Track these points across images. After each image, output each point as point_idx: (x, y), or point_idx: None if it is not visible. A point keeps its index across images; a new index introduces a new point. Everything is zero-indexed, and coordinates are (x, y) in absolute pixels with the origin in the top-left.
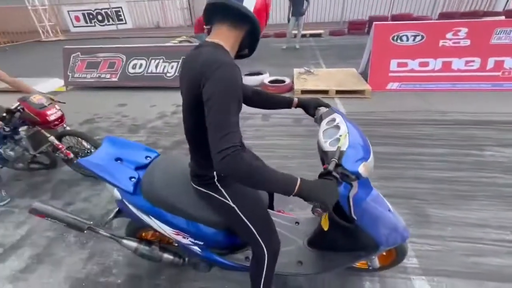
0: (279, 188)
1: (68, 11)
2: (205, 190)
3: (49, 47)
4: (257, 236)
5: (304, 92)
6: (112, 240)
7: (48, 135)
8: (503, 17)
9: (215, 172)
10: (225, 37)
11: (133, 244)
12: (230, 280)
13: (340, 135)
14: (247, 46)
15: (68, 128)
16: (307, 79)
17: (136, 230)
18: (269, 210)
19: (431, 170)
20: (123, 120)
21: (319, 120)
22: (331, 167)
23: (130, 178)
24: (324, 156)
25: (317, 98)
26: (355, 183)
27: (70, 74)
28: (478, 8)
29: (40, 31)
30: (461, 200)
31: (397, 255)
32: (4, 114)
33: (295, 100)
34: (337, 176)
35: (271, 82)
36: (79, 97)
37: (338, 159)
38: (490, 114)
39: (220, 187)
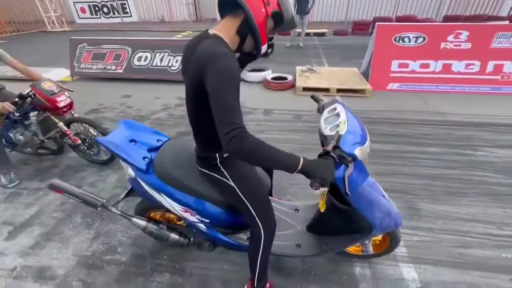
0: (284, 165)
1: (74, 2)
2: (209, 172)
3: (54, 38)
4: (255, 215)
5: (305, 89)
6: (122, 217)
7: (57, 121)
8: (507, 22)
9: (217, 154)
10: (224, 28)
11: (142, 222)
12: (229, 261)
13: (340, 122)
14: (252, 42)
15: (76, 115)
16: (309, 77)
17: (145, 210)
18: (270, 197)
19: (426, 167)
20: (128, 111)
21: (321, 110)
22: (329, 148)
23: (144, 158)
24: (324, 139)
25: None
26: (351, 164)
27: (76, 64)
28: (483, 12)
29: (46, 22)
30: (452, 196)
31: (391, 242)
32: (16, 99)
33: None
34: (335, 156)
35: (273, 78)
36: (85, 87)
37: (336, 141)
38: (487, 117)
39: (222, 169)
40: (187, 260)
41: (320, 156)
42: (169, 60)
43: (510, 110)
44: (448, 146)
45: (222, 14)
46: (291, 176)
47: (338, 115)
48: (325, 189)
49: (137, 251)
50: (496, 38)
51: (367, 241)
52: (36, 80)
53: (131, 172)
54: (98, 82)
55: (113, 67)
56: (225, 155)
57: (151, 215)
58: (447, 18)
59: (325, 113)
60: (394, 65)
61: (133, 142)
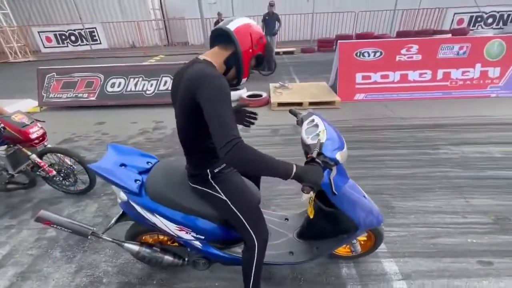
0: (280, 173)
1: (38, 32)
2: (201, 188)
3: (18, 68)
4: (247, 226)
5: (280, 104)
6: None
7: (29, 153)
8: (449, 35)
9: (208, 170)
10: (214, 55)
11: (135, 247)
12: (220, 278)
13: (319, 131)
14: (234, 72)
15: (49, 146)
16: (282, 93)
17: (136, 235)
18: (263, 210)
19: (395, 168)
20: (103, 138)
21: (300, 122)
22: (314, 155)
23: (135, 180)
24: (307, 148)
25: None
26: (334, 168)
27: (45, 94)
28: (429, 27)
29: (8, 52)
30: (421, 192)
31: (376, 239)
32: None
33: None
34: (320, 162)
35: (249, 96)
36: (55, 117)
37: (319, 149)
38: (442, 118)
39: (214, 184)
40: (178, 282)
41: (307, 163)
42: (144, 84)
43: (460, 111)
44: (412, 147)
45: (212, 44)
46: (273, 188)
47: (316, 125)
48: (312, 194)
49: (124, 279)
50: (441, 49)
51: (354, 241)
52: (0, 114)
53: (123, 196)
54: (70, 111)
55: (85, 95)
56: (216, 170)
57: (143, 239)
58: (399, 34)
59: (305, 125)
60: (358, 77)
61: (123, 166)
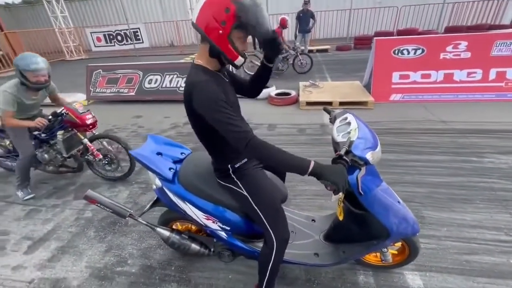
0: (295, 166)
1: (90, 33)
2: (224, 183)
3: (72, 66)
4: (267, 224)
5: (308, 103)
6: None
7: (83, 137)
8: (510, 30)
9: (229, 165)
10: (200, 55)
11: (166, 232)
12: (234, 270)
13: (351, 129)
14: (221, 56)
15: (97, 133)
16: (312, 92)
17: (167, 222)
18: (286, 208)
19: (430, 175)
20: (139, 130)
21: (333, 120)
22: (342, 152)
23: (170, 168)
24: (337, 146)
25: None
26: (363, 168)
27: (92, 89)
28: (485, 22)
29: (65, 51)
30: (457, 203)
31: (410, 252)
32: (50, 117)
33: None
34: (348, 160)
35: (277, 94)
36: (99, 110)
37: (348, 146)
38: (492, 123)
39: (235, 179)
40: (194, 271)
41: (333, 160)
42: (178, 81)
43: None
44: (453, 154)
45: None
46: (293, 187)
47: (349, 123)
48: (341, 195)
49: (146, 263)
50: (496, 46)
51: (385, 249)
52: (61, 105)
53: (158, 182)
54: (112, 104)
55: (126, 90)
56: (237, 165)
57: (173, 226)
58: (448, 29)
59: (337, 123)
60: (395, 76)
61: (159, 155)
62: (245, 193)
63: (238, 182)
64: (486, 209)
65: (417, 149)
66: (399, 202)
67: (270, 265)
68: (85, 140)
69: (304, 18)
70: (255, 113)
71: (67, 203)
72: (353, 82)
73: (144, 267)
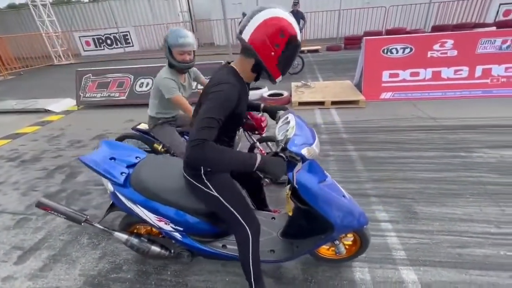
0: (244, 165)
1: (79, 37)
2: (193, 181)
3: (61, 70)
4: (240, 219)
5: (301, 103)
6: (106, 232)
7: (254, 140)
8: (493, 28)
9: (202, 167)
10: (240, 65)
11: (124, 236)
12: (231, 273)
13: (289, 128)
14: (266, 75)
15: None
16: (304, 92)
17: (129, 225)
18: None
19: (421, 171)
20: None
21: (277, 121)
22: (278, 149)
23: (121, 173)
24: (276, 144)
25: (282, 105)
26: (299, 163)
27: (82, 94)
28: (469, 20)
29: (53, 56)
30: (448, 198)
31: (361, 243)
32: None
33: (262, 105)
34: (283, 156)
35: (270, 95)
36: (90, 115)
37: (285, 144)
38: (479, 119)
39: (205, 180)
40: (190, 275)
41: (271, 157)
42: None
43: (501, 111)
44: (443, 149)
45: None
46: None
47: (288, 122)
48: (288, 191)
49: (142, 268)
50: (481, 44)
51: (337, 242)
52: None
53: (110, 186)
54: (103, 109)
55: (117, 94)
56: (209, 168)
57: (135, 229)
58: (435, 28)
59: (279, 123)
60: (385, 75)
61: (112, 160)
62: (216, 194)
63: (208, 184)
64: (476, 203)
65: (408, 146)
66: (344, 196)
67: (250, 258)
68: (257, 144)
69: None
70: None
71: (47, 199)
72: (344, 81)
73: (140, 273)
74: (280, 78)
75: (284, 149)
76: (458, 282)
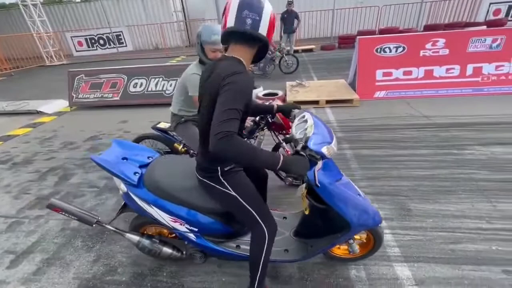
0: (268, 163)
1: (71, 37)
2: (209, 182)
3: (53, 71)
4: (258, 218)
5: (296, 103)
6: (122, 238)
7: (280, 140)
8: (484, 27)
9: (219, 167)
10: (243, 53)
11: (136, 237)
12: (227, 273)
13: (307, 126)
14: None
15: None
16: (299, 91)
17: (139, 226)
18: None
19: (414, 169)
20: (125, 136)
21: (293, 119)
22: (298, 147)
23: (135, 173)
24: (295, 143)
25: (293, 103)
26: (320, 162)
27: (75, 95)
28: (460, 19)
29: (44, 56)
30: (441, 195)
31: (375, 241)
32: (258, 118)
33: (275, 106)
34: (304, 154)
35: (265, 95)
36: (83, 116)
37: (305, 142)
38: (470, 117)
39: (222, 180)
40: (186, 276)
41: (293, 155)
42: (164, 84)
43: (491, 109)
44: (435, 147)
45: (227, 41)
46: (285, 188)
47: (306, 121)
48: (304, 190)
49: (137, 270)
50: (472, 43)
51: (351, 241)
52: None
53: (123, 187)
54: (96, 110)
55: (110, 95)
56: (226, 168)
57: (145, 230)
58: (427, 28)
59: (296, 121)
60: (379, 74)
61: (125, 160)
62: (234, 193)
63: (226, 184)
64: (468, 199)
65: (402, 144)
66: (359, 195)
67: (262, 259)
68: (283, 144)
69: (289, 19)
70: None
71: (51, 213)
72: (339, 80)
73: (135, 275)
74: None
75: (304, 148)
76: (451, 278)
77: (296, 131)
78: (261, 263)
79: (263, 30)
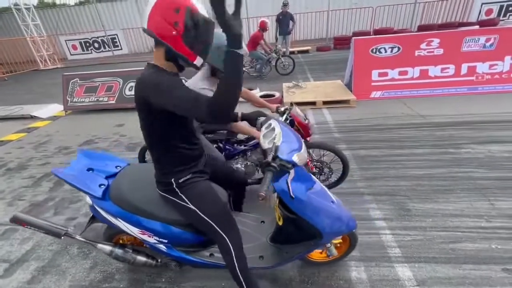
0: (238, 62)
1: (65, 40)
2: (168, 196)
3: (47, 75)
4: (219, 230)
5: (294, 104)
6: (89, 244)
7: None
8: (477, 27)
9: (173, 179)
10: (157, 58)
11: (108, 247)
12: (226, 278)
13: (275, 134)
14: (179, 59)
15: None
16: (296, 92)
17: (112, 235)
18: (237, 212)
19: (412, 168)
20: (121, 140)
21: (259, 128)
22: (269, 158)
23: (100, 185)
24: (264, 153)
25: (258, 110)
26: (292, 171)
27: (69, 99)
28: (454, 19)
29: (38, 60)
30: (440, 194)
31: (351, 242)
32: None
33: (239, 114)
34: (275, 165)
35: (262, 96)
36: (78, 120)
37: (275, 152)
38: (465, 116)
39: (179, 193)
40: (185, 281)
41: (261, 166)
42: None
43: (486, 108)
44: (433, 146)
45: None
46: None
47: (273, 129)
48: (276, 201)
49: (135, 276)
50: (465, 42)
51: (328, 244)
52: (257, 101)
53: (88, 200)
54: (91, 114)
55: (106, 99)
56: (181, 180)
57: (120, 239)
58: (421, 28)
59: (263, 130)
60: (374, 74)
61: (90, 171)
62: (192, 206)
63: (183, 196)
64: (466, 198)
65: (399, 143)
66: (333, 202)
67: (237, 267)
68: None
69: (284, 20)
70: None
71: (46, 220)
72: (335, 81)
73: (133, 281)
74: (198, 61)
75: (274, 158)
76: (452, 277)
77: (264, 140)
78: (238, 272)
79: (145, 22)
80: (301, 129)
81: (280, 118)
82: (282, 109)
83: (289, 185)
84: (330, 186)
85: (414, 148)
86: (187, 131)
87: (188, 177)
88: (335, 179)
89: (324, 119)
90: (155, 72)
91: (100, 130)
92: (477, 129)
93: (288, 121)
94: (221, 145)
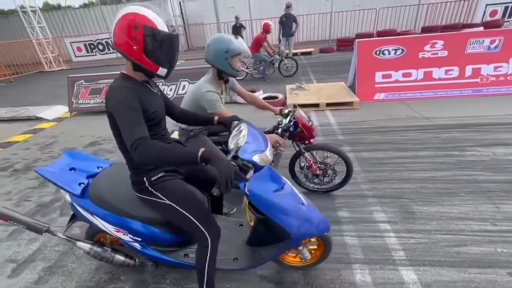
0: (186, 158)
1: (70, 43)
2: (144, 196)
3: (52, 77)
4: (198, 224)
5: (298, 106)
6: (70, 242)
7: (304, 151)
8: (481, 28)
9: (145, 178)
10: (126, 67)
11: (87, 246)
12: (231, 279)
13: (241, 136)
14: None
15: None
16: (299, 94)
17: (94, 234)
18: (216, 215)
19: (417, 171)
20: None
21: (232, 131)
22: (229, 157)
23: (80, 183)
24: (229, 153)
25: (234, 115)
26: (251, 170)
27: (74, 100)
28: (458, 21)
29: (44, 62)
30: (444, 197)
31: (325, 248)
32: (280, 130)
33: (216, 118)
34: (235, 164)
35: (265, 98)
36: (83, 122)
37: (236, 152)
38: (470, 118)
39: (154, 191)
40: (190, 283)
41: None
42: (163, 89)
43: (491, 110)
44: (437, 149)
45: None
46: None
47: (241, 131)
48: (246, 200)
49: (140, 278)
50: (470, 44)
51: (301, 248)
52: (260, 104)
53: (68, 198)
54: (96, 115)
55: None
56: (153, 178)
57: (101, 238)
58: (425, 29)
59: (233, 133)
60: (378, 76)
61: (72, 170)
62: (169, 202)
63: (158, 194)
64: (471, 201)
65: (403, 146)
66: (303, 204)
67: (207, 266)
68: (306, 154)
69: (287, 22)
70: (243, 117)
71: (52, 220)
72: (338, 83)
73: (138, 282)
74: (161, 71)
75: (235, 157)
76: (457, 281)
77: (230, 142)
78: (206, 268)
79: (112, 37)
80: (305, 131)
81: (284, 120)
82: (286, 111)
83: (245, 183)
84: (334, 188)
85: (418, 151)
86: (155, 132)
87: (160, 175)
88: (339, 181)
89: (328, 121)
90: (122, 86)
91: (104, 132)
92: (482, 131)
93: (292, 123)
94: (225, 146)
